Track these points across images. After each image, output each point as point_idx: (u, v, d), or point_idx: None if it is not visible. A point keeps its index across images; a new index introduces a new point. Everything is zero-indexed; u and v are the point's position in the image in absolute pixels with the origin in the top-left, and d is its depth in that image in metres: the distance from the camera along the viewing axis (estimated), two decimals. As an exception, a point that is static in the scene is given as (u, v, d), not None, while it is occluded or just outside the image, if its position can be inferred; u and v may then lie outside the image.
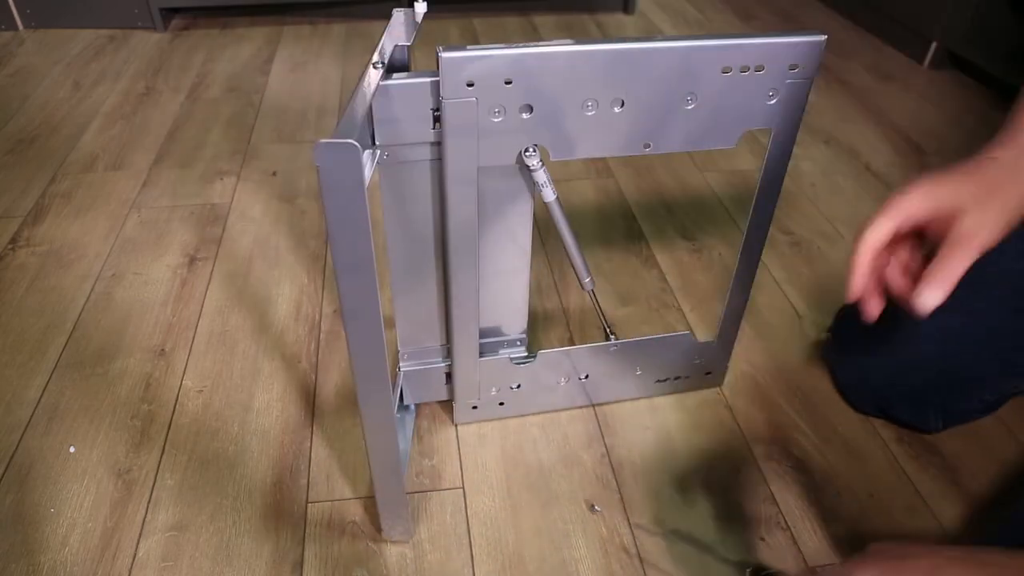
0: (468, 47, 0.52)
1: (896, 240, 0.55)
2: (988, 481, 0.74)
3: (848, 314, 0.84)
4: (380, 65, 0.55)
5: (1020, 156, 0.52)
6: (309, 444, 0.76)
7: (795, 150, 0.64)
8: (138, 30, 1.75)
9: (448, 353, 0.74)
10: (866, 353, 0.78)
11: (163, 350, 0.87)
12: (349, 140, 0.42)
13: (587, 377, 0.78)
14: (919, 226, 0.53)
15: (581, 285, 0.73)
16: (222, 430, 0.78)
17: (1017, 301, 0.67)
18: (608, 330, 0.76)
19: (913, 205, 0.52)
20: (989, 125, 1.41)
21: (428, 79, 0.55)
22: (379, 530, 0.67)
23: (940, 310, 0.67)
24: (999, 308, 0.68)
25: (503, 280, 0.71)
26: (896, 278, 0.56)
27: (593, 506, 0.71)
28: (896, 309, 0.75)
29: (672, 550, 0.67)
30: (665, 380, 0.81)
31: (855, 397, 0.81)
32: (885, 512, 0.71)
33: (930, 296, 0.50)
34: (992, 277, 0.68)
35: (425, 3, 0.62)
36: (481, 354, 0.72)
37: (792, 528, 0.69)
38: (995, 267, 0.67)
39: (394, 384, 0.75)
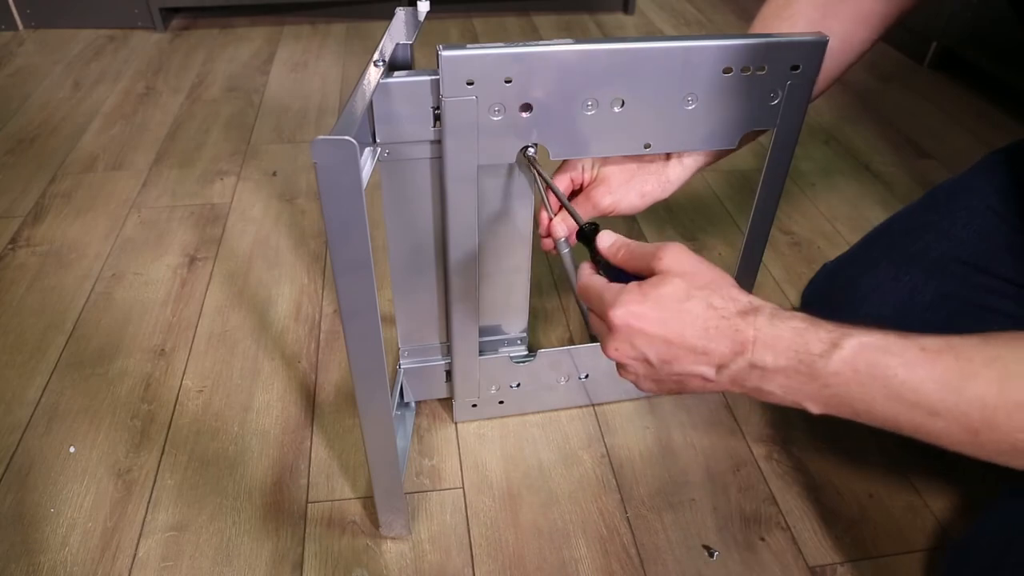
0: (468, 46, 0.52)
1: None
2: (987, 481, 0.74)
3: (814, 283, 0.84)
4: (381, 63, 0.55)
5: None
6: (309, 444, 0.76)
7: (795, 150, 0.64)
8: (138, 30, 1.75)
9: (448, 351, 0.74)
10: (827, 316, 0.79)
11: (163, 350, 0.87)
12: (346, 137, 0.42)
13: (587, 376, 0.78)
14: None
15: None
16: (222, 430, 0.77)
17: (964, 265, 0.69)
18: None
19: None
20: (989, 125, 1.41)
21: (428, 77, 0.55)
22: (377, 526, 0.67)
23: (894, 275, 0.70)
24: (948, 272, 0.70)
25: (503, 278, 0.71)
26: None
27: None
28: (850, 276, 0.78)
29: (672, 550, 0.67)
30: (665, 380, 0.81)
31: None
32: (885, 512, 0.71)
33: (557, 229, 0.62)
34: (941, 245, 0.71)
35: (428, 1, 0.62)
36: (481, 352, 0.72)
37: (792, 528, 0.69)
38: (944, 236, 0.71)
39: (394, 381, 0.75)
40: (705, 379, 0.46)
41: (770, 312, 0.44)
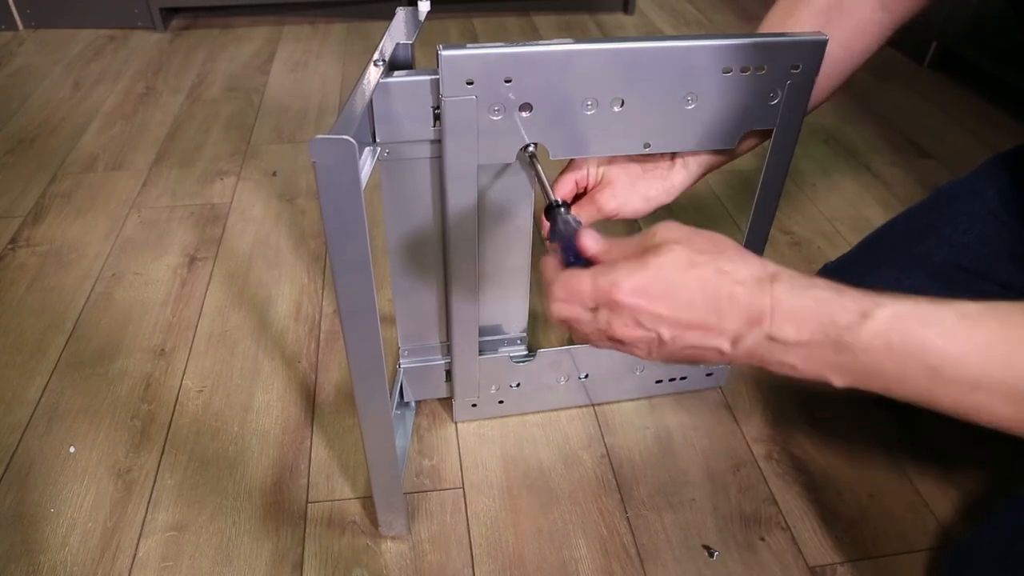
0: (468, 45, 0.52)
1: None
2: (988, 481, 0.74)
3: None
4: (381, 63, 0.55)
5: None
6: (309, 444, 0.76)
7: (795, 150, 0.64)
8: (138, 30, 1.75)
9: (448, 351, 0.74)
10: None
11: (163, 350, 0.87)
12: (344, 136, 0.42)
13: (587, 376, 0.78)
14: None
15: None
16: (222, 430, 0.77)
17: (965, 272, 0.70)
18: None
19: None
20: (989, 125, 1.41)
21: (428, 77, 0.55)
22: (377, 526, 0.67)
23: (896, 277, 0.71)
24: (949, 279, 0.70)
25: (504, 278, 0.71)
26: None
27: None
28: (852, 277, 0.79)
29: (672, 550, 0.67)
30: (666, 381, 0.81)
31: None
32: (885, 512, 0.71)
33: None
34: (943, 250, 0.71)
35: (428, 1, 0.62)
36: (481, 352, 0.72)
37: (792, 528, 0.69)
38: (946, 241, 0.71)
39: (394, 381, 0.75)
40: (721, 352, 0.42)
41: (788, 279, 0.41)
